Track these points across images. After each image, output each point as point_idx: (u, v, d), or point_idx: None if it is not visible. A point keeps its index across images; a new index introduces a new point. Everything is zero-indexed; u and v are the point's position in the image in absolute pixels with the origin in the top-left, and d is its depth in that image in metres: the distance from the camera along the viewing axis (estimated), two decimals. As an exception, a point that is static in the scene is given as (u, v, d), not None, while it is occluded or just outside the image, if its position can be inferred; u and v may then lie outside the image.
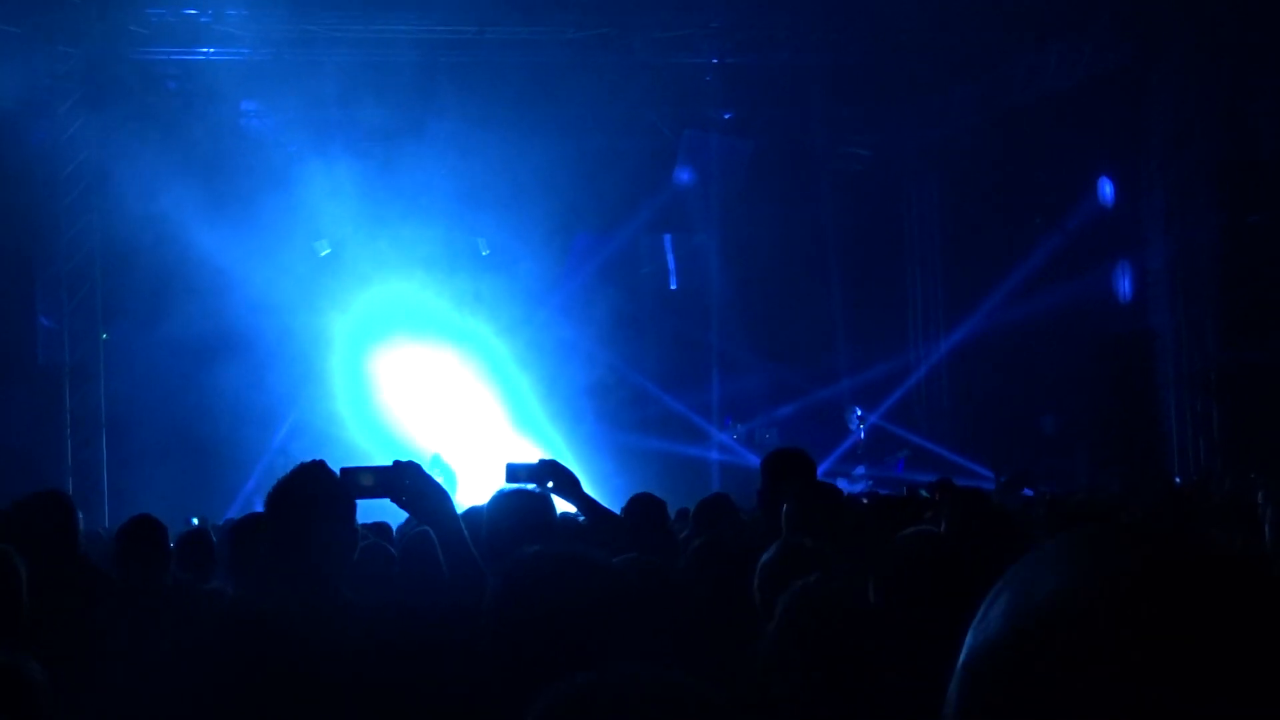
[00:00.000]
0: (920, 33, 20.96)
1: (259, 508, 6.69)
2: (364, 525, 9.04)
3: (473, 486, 17.59)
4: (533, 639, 2.77)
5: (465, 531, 4.56)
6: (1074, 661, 1.08)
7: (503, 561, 3.13)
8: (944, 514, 7.27)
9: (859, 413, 24.77)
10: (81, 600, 5.76)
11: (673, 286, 26.73)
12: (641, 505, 7.16)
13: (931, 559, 4.07)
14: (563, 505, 6.50)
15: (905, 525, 6.65)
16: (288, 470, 4.44)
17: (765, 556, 4.88)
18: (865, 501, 9.12)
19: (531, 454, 13.39)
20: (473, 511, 6.36)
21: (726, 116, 24.44)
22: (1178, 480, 18.46)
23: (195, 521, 15.20)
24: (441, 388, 24.04)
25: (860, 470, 23.54)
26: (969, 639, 1.18)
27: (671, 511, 8.61)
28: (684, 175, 25.27)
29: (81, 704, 4.62)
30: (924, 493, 10.44)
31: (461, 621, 3.69)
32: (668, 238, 26.97)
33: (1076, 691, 1.08)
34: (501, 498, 5.72)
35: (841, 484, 22.16)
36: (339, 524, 4.27)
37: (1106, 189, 22.32)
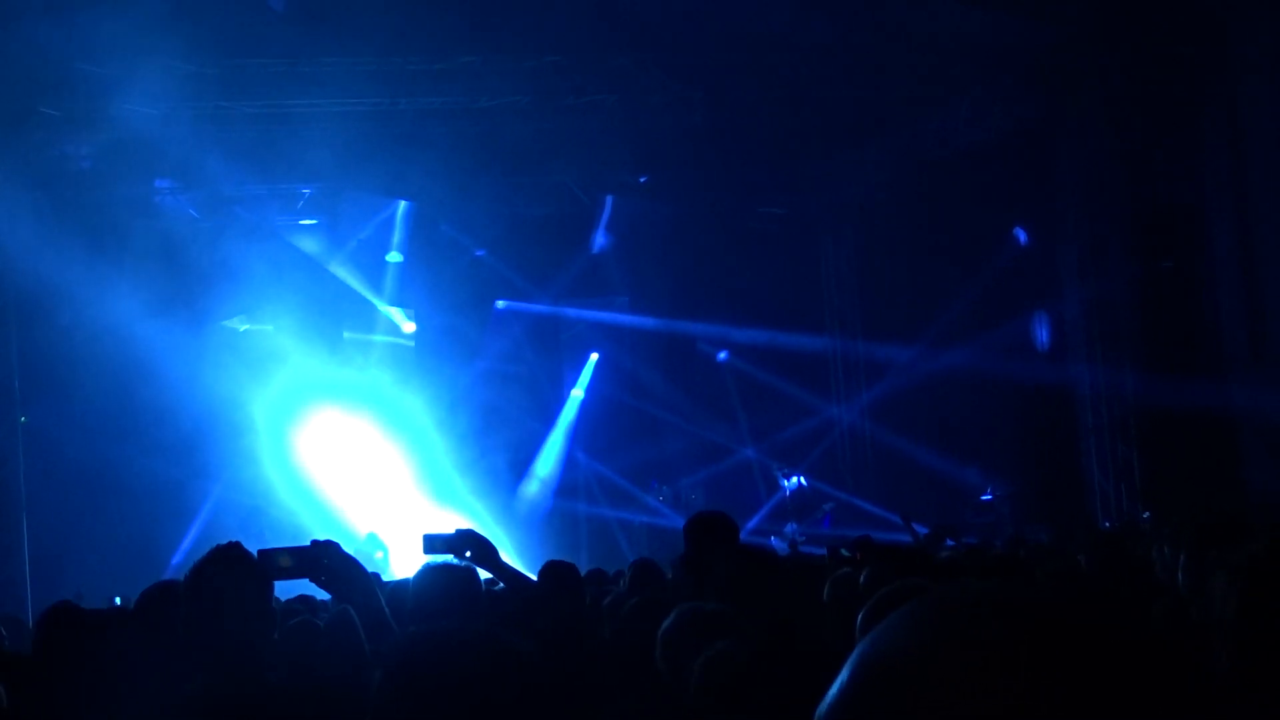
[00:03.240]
0: (831, 91, 21.10)
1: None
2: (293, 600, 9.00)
3: (407, 560, 17.47)
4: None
5: (386, 608, 4.55)
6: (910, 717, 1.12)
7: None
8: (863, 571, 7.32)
9: (784, 469, 24.84)
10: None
11: (595, 353, 26.72)
12: (554, 572, 7.22)
13: None
14: (483, 574, 6.51)
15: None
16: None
17: (666, 623, 4.86)
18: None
19: (452, 524, 13.36)
20: (398, 586, 6.36)
21: (641, 180, 24.51)
22: (1106, 524, 18.56)
23: (118, 601, 15.11)
24: (366, 459, 23.90)
25: (791, 527, 23.53)
26: (826, 694, 1.22)
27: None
28: (601, 239, 25.37)
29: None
30: (844, 551, 10.46)
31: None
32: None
33: None
34: (426, 572, 5.72)
35: (775, 542, 22.20)
36: (256, 606, 4.24)
37: (1021, 240, 22.51)
